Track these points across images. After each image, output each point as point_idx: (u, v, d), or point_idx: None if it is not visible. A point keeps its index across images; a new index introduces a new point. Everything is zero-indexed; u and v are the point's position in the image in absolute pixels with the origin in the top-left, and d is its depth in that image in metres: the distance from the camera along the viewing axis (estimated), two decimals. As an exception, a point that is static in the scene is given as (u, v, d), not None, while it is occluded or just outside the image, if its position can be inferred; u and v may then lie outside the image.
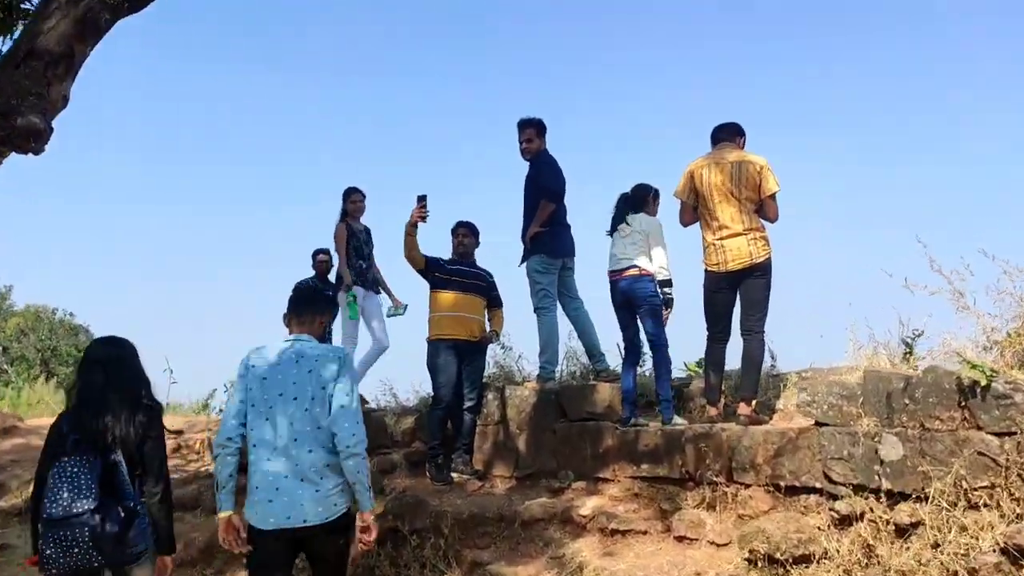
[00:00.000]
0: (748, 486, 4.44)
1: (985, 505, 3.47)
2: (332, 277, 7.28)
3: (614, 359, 5.98)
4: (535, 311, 6.03)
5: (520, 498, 5.22)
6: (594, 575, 4.23)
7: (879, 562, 3.67)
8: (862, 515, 3.85)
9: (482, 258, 6.18)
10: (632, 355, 5.30)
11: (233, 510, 3.05)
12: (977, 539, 3.40)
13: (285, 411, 3.00)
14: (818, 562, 3.84)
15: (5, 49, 3.46)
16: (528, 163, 6.15)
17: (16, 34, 3.70)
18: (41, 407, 10.58)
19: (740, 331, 4.93)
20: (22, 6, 3.77)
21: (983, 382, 3.54)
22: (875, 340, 4.73)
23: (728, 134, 5.09)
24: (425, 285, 5.98)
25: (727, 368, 5.18)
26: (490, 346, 6.17)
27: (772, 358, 5.45)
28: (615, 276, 5.28)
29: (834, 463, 4.07)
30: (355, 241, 6.95)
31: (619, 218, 5.39)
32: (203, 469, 6.89)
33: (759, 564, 3.94)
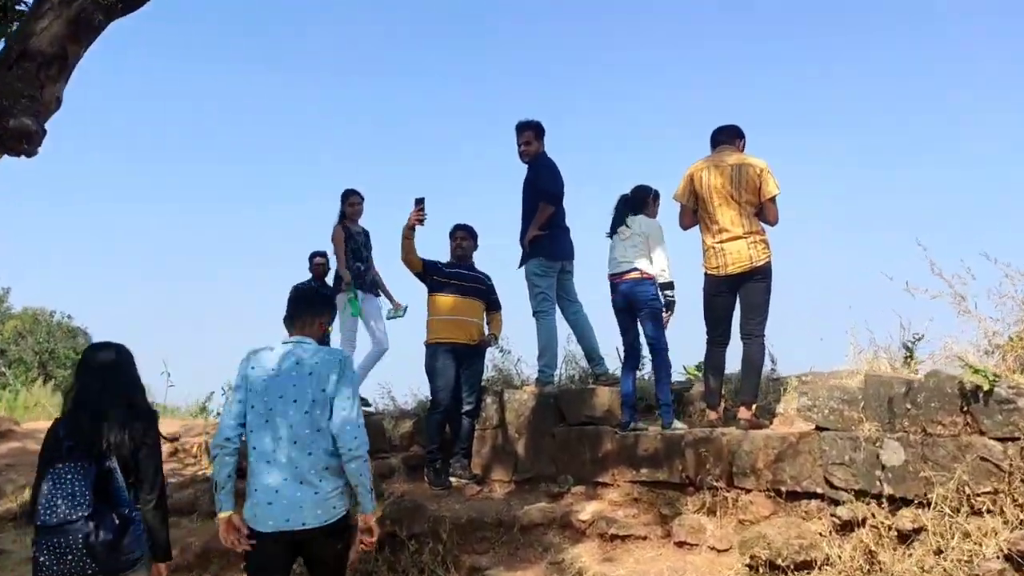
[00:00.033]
0: (749, 491, 4.41)
1: (988, 511, 3.44)
2: (330, 280, 7.25)
3: (613, 363, 5.96)
4: (534, 314, 6.00)
5: (519, 503, 5.19)
6: (593, 581, 4.20)
7: (881, 569, 3.65)
8: (864, 521, 3.82)
9: (480, 261, 6.16)
10: (632, 359, 5.27)
11: (233, 510, 3.03)
12: (980, 545, 3.37)
13: (285, 413, 2.99)
14: (820, 568, 3.81)
15: None
16: (527, 166, 6.13)
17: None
18: (38, 410, 10.56)
19: (740, 335, 4.91)
20: (17, 7, 3.74)
21: (986, 387, 3.51)
22: (876, 344, 4.71)
23: (728, 137, 5.07)
24: (424, 287, 5.95)
25: (727, 372, 5.16)
26: (488, 349, 6.13)
27: (772, 362, 5.44)
28: (615, 279, 5.25)
29: (835, 468, 4.04)
30: (353, 243, 6.93)
31: (619, 220, 5.36)
32: (200, 473, 6.86)
33: (760, 570, 3.91)
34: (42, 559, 2.80)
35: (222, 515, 3.02)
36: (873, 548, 3.72)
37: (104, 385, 3.08)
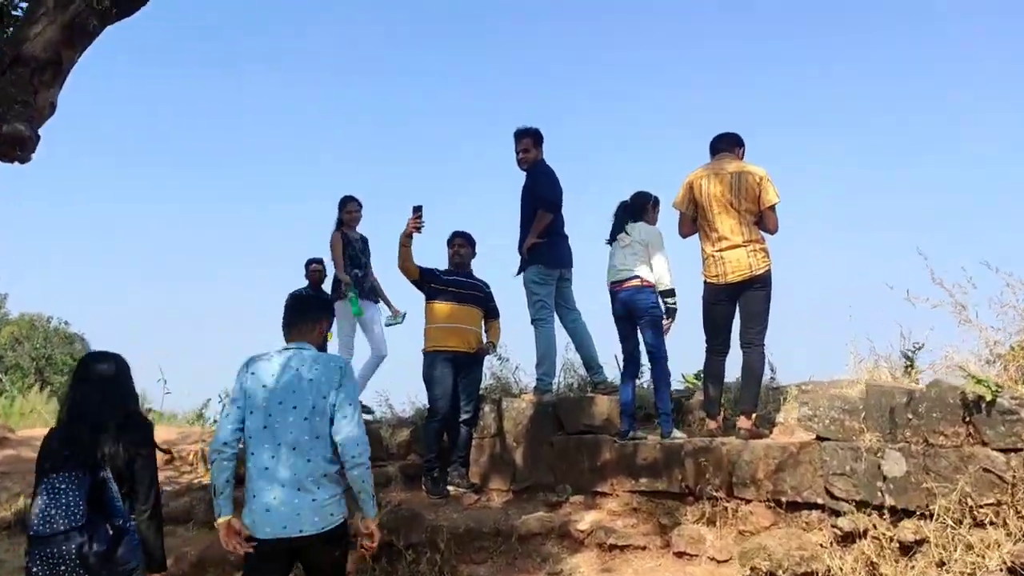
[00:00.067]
0: (749, 501, 4.38)
1: (991, 523, 3.42)
2: (326, 287, 7.22)
3: (611, 371, 5.93)
4: (532, 322, 5.98)
5: (517, 512, 5.15)
6: (592, 592, 4.16)
7: (883, 580, 3.62)
8: (865, 532, 3.79)
9: (480, 262, 6.15)
10: (631, 367, 5.24)
11: (232, 514, 3.02)
12: (983, 558, 3.34)
13: (284, 420, 2.98)
14: (820, 580, 3.78)
15: None
16: (525, 173, 6.11)
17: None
18: (33, 417, 10.50)
19: (740, 343, 4.88)
20: (13, 12, 3.71)
21: (988, 397, 3.49)
22: (876, 353, 4.71)
23: (727, 144, 5.06)
24: (422, 295, 5.92)
25: (726, 381, 5.13)
26: (487, 357, 6.10)
27: (771, 370, 5.41)
28: (616, 287, 5.23)
29: (836, 479, 4.01)
30: (351, 250, 6.90)
31: (618, 227, 5.34)
32: (196, 481, 6.81)
33: (760, 581, 3.88)
34: (35, 570, 2.78)
35: (221, 520, 3.01)
36: (875, 560, 3.69)
37: (101, 396, 3.07)
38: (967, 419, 3.60)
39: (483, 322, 5.98)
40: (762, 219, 4.84)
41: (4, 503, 6.61)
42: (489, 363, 6.31)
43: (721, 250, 4.80)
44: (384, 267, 7.09)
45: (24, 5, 3.49)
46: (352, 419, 3.01)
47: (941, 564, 3.46)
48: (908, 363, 4.67)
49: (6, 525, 6.22)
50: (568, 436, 5.46)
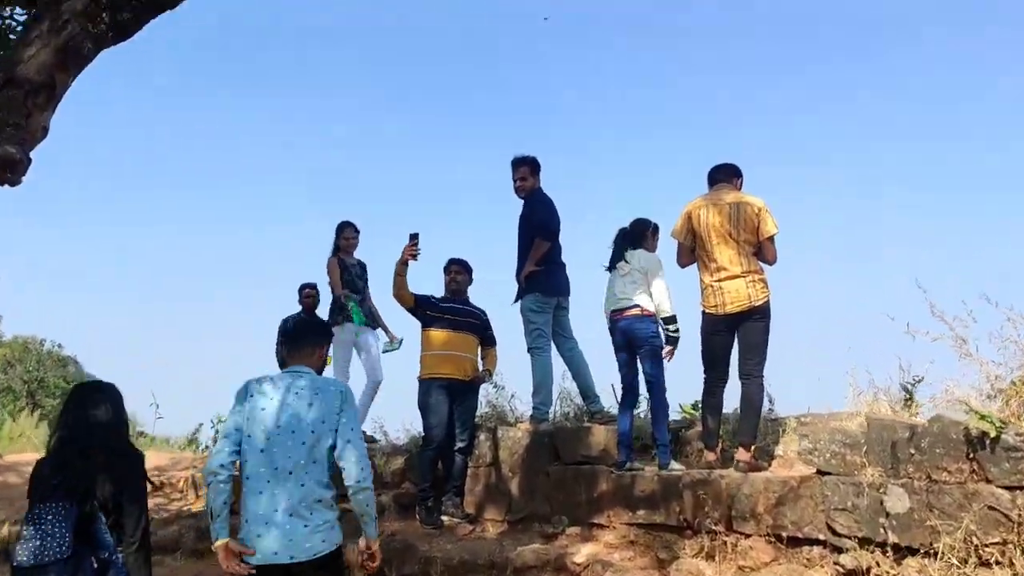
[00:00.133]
0: (748, 536, 4.30)
1: (997, 562, 3.36)
2: (319, 312, 7.18)
3: (608, 400, 5.88)
4: (529, 351, 5.93)
5: (512, 543, 5.06)
6: (588, 629, 4.07)
7: (886, 620, 3.54)
8: (868, 570, 3.72)
9: (477, 295, 6.09)
10: (630, 397, 5.19)
11: (229, 537, 2.95)
12: (989, 598, 3.28)
13: (282, 444, 2.94)
14: (823, 619, 3.70)
15: None
16: (522, 201, 6.10)
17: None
18: (22, 441, 10.37)
19: (739, 375, 4.83)
20: (10, 36, 3.70)
21: (992, 433, 3.44)
22: (875, 385, 4.66)
23: (725, 175, 5.05)
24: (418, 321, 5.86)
25: (724, 411, 5.07)
26: (482, 385, 6.04)
27: (770, 402, 5.35)
28: (615, 315, 5.19)
29: (838, 514, 3.94)
30: (347, 275, 6.86)
31: (618, 254, 5.31)
32: (185, 509, 6.71)
33: (761, 620, 3.80)
34: (18, 601, 2.73)
35: (219, 543, 2.94)
36: (878, 599, 3.62)
37: (92, 426, 3.06)
38: (971, 455, 3.55)
39: (480, 349, 5.92)
40: (761, 250, 4.81)
41: (-11, 530, 6.49)
42: (485, 391, 6.24)
43: (720, 280, 4.77)
44: (380, 293, 7.05)
45: (19, 27, 3.48)
46: (355, 444, 2.98)
47: (946, 604, 3.39)
48: (907, 396, 4.63)
49: (-9, 553, 6.10)
50: (565, 466, 5.39)
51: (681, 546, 4.53)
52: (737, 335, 4.81)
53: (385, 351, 6.93)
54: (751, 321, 4.73)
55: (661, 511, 4.71)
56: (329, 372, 6.62)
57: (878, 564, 3.70)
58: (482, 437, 5.88)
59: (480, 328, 5.90)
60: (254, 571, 2.91)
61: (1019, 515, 3.33)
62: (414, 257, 5.56)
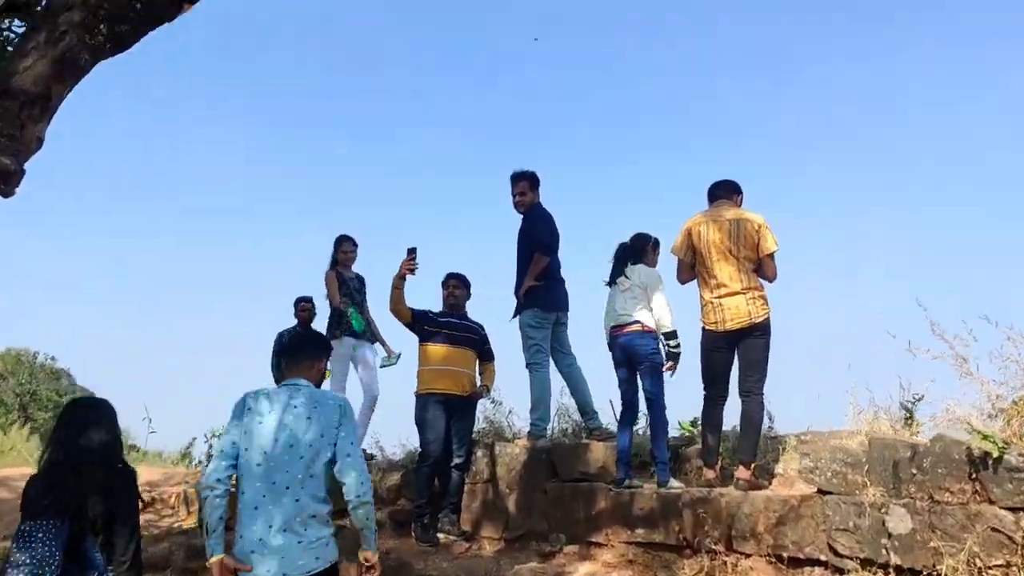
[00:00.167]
0: (748, 556, 4.26)
1: (1001, 585, 3.31)
2: (315, 326, 7.13)
3: (606, 416, 5.83)
4: (527, 366, 5.89)
5: (509, 562, 5.01)
6: (587, 650, 4.02)
7: (889, 643, 3.49)
8: (870, 592, 3.67)
9: (476, 310, 6.06)
10: (629, 414, 5.15)
11: (224, 553, 2.90)
12: (993, 621, 3.23)
13: (279, 459, 2.90)
14: (824, 641, 3.65)
15: None
16: (521, 216, 6.08)
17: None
18: (13, 455, 10.26)
19: (739, 392, 4.79)
20: (7, 47, 3.67)
21: (995, 453, 3.41)
22: (875, 404, 4.61)
23: (725, 192, 5.04)
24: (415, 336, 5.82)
25: (724, 429, 5.03)
26: (480, 401, 5.99)
27: (770, 419, 5.30)
28: (615, 331, 5.16)
29: (839, 534, 3.90)
30: (345, 289, 6.83)
31: (618, 269, 5.29)
32: (176, 525, 6.63)
33: (762, 642, 3.75)
34: (4, 623, 2.67)
35: (213, 559, 2.89)
36: (881, 621, 3.57)
37: (85, 445, 3.00)
38: (973, 475, 3.52)
39: (478, 365, 5.88)
40: (761, 266, 4.80)
41: (-23, 546, 6.40)
42: (482, 407, 6.20)
43: (720, 297, 4.75)
44: (378, 308, 7.02)
45: (16, 39, 3.45)
46: (354, 458, 2.95)
47: (950, 627, 3.34)
48: (908, 415, 4.59)
49: (-21, 569, 6.01)
50: (563, 483, 5.35)
51: (680, 566, 4.48)
52: (737, 352, 4.78)
53: (383, 366, 6.89)
54: (751, 338, 4.70)
55: (660, 530, 4.66)
56: (327, 386, 6.58)
57: (881, 586, 3.66)
58: (479, 453, 5.83)
59: (478, 343, 5.86)
60: None
61: (1023, 537, 3.29)
62: (412, 272, 5.54)
